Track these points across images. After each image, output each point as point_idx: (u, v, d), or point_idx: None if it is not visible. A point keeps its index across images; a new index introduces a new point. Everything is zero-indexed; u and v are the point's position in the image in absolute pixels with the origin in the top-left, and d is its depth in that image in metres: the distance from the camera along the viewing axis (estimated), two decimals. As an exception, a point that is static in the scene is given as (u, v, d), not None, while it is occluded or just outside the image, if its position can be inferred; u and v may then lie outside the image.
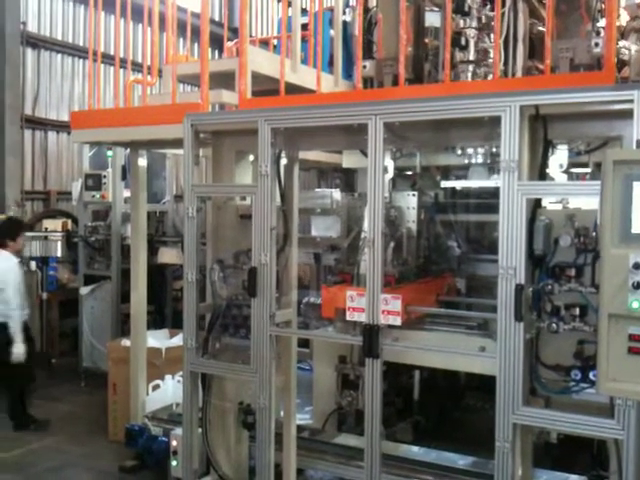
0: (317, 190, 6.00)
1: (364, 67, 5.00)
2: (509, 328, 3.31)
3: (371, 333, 3.64)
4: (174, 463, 4.67)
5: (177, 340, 6.01)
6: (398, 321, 3.64)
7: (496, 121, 3.35)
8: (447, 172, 5.62)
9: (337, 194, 5.37)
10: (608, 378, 2.79)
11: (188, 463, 4.29)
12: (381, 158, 3.61)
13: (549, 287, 3.39)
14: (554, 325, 3.38)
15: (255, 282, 3.96)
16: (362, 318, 3.70)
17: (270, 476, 3.99)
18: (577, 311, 3.37)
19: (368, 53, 5.30)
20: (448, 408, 5.97)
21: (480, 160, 4.89)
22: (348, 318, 3.77)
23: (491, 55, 4.61)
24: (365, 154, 3.80)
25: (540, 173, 3.49)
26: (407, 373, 5.64)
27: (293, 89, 5.05)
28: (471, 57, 4.59)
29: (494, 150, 4.51)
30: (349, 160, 5.79)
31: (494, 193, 3.82)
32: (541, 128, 3.45)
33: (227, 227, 4.50)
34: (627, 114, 3.06)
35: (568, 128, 3.47)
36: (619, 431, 3.08)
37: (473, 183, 5.23)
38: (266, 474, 3.98)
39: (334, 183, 6.74)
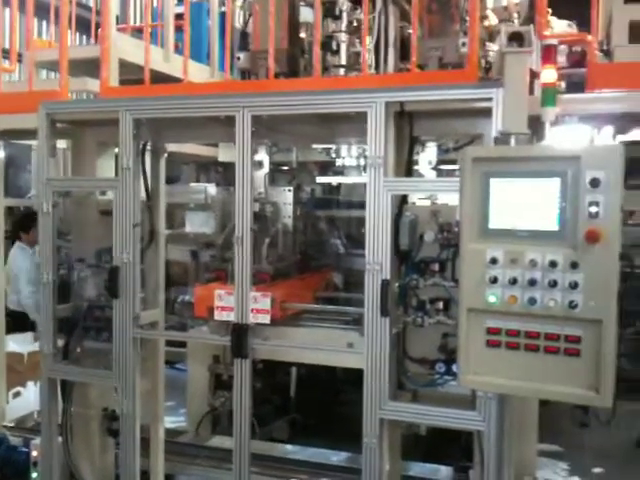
0: (192, 184, 5.82)
1: (238, 59, 4.87)
2: (375, 323, 3.30)
3: (240, 333, 3.53)
4: (34, 475, 4.36)
5: (42, 344, 5.62)
6: (267, 319, 3.55)
7: (364, 117, 3.33)
8: (325, 168, 5.61)
9: (212, 189, 5.22)
10: (469, 371, 2.82)
11: (47, 475, 4.01)
12: (249, 152, 3.51)
13: (414, 282, 3.42)
14: (419, 319, 3.42)
15: (117, 282, 3.75)
16: (231, 317, 3.58)
17: (135, 485, 3.81)
18: (441, 305, 3.43)
19: (245, 45, 5.19)
20: (326, 403, 5.97)
21: (353, 157, 4.91)
22: (216, 317, 3.64)
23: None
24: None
25: (407, 170, 3.51)
26: (284, 370, 5.59)
27: (166, 79, 4.84)
28: (343, 61, 4.57)
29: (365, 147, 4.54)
30: (225, 154, 5.65)
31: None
32: (407, 125, 3.46)
33: (88, 224, 4.25)
34: (487, 112, 3.12)
35: (434, 125, 3.51)
36: (480, 423, 3.14)
37: (347, 179, 5.24)
38: (132, 483, 3.79)
39: (214, 178, 6.54)
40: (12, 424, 5.06)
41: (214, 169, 6.62)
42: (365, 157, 4.89)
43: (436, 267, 3.42)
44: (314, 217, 5.09)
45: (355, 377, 5.76)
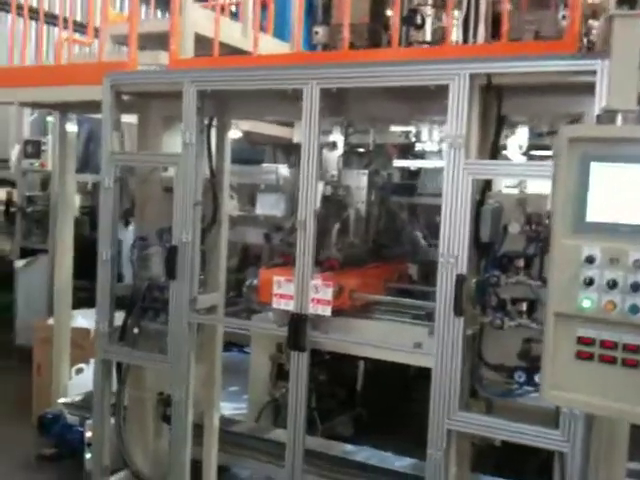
0: (263, 165, 5.60)
1: (316, 33, 4.60)
2: (447, 322, 2.96)
3: (298, 323, 3.27)
4: (88, 456, 4.27)
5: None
6: (328, 311, 3.26)
7: (446, 93, 2.98)
8: (404, 152, 5.27)
9: (284, 170, 4.95)
10: (553, 384, 2.44)
11: (98, 458, 3.89)
12: (316, 129, 3.22)
13: (495, 279, 3.05)
14: (499, 321, 3.05)
15: (174, 263, 3.55)
16: (290, 306, 3.32)
17: (185, 476, 3.62)
18: (524, 306, 3.04)
19: (326, 19, 4.90)
20: (395, 399, 5.64)
21: (434, 141, 4.55)
22: (274, 305, 3.39)
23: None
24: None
25: (492, 153, 3.12)
26: (351, 362, 5.30)
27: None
28: (427, 37, 4.21)
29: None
30: (300, 134, 5.38)
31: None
32: (495, 102, 3.07)
33: (152, 201, 4.08)
34: (589, 88, 2.71)
35: (525, 103, 3.11)
36: (564, 443, 2.76)
37: (426, 163, 4.88)
38: (181, 473, 3.60)
39: (289, 159, 6.30)
40: (71, 401, 5.01)
41: (290, 150, 6.38)
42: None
43: (521, 263, 3.03)
44: (390, 203, 4.72)
45: (428, 373, 5.43)
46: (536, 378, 2.92)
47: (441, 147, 4.56)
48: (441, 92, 3.00)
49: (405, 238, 4.87)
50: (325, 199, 3.84)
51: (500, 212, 3.10)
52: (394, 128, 4.80)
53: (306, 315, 3.26)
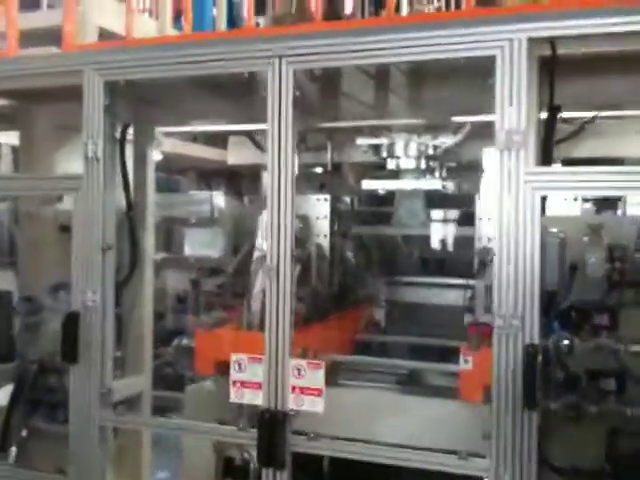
0: (192, 192, 4.50)
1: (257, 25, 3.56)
2: (508, 420, 1.92)
3: (272, 426, 2.14)
4: None
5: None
6: (320, 405, 2.15)
7: (482, 71, 1.98)
8: (365, 171, 4.27)
9: (220, 198, 3.88)
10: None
11: None
12: (289, 129, 2.15)
13: (566, 344, 2.04)
14: (572, 407, 2.03)
15: (75, 338, 2.36)
16: (258, 400, 2.19)
17: None
18: (612, 383, 2.04)
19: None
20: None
21: (411, 157, 3.59)
22: (234, 399, 2.24)
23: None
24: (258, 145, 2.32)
25: (544, 157, 2.14)
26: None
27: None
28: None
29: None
30: (236, 155, 4.31)
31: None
32: (545, 85, 2.10)
33: (42, 246, 2.86)
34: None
35: (589, 85, 2.15)
36: None
37: (403, 185, 3.87)
38: None
39: (221, 186, 5.19)
40: None
41: (224, 176, 5.26)
42: (429, 157, 3.61)
43: (602, 319, 2.04)
44: (353, 236, 3.76)
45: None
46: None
47: (419, 164, 3.61)
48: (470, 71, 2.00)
49: (371, 277, 3.88)
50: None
51: (564, 246, 2.12)
52: (360, 141, 3.78)
53: (284, 413, 2.14)
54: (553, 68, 2.05)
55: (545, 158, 2.13)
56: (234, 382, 2.22)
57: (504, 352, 1.92)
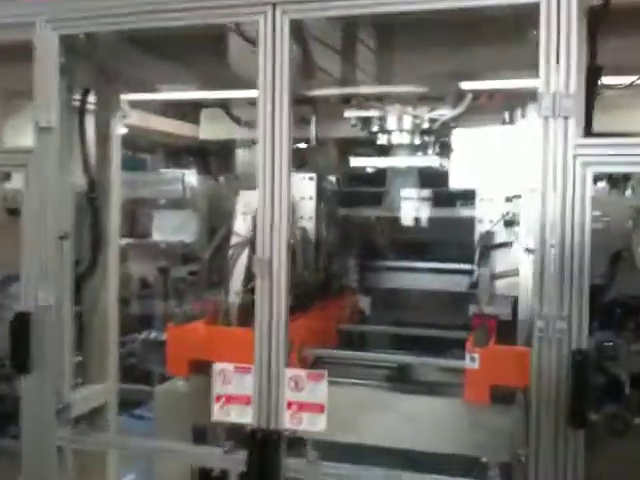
0: (162, 171, 4.11)
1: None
2: (548, 441, 1.60)
3: (265, 448, 1.79)
4: None
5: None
6: (321, 423, 1.80)
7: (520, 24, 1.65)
8: (350, 147, 3.92)
9: (192, 177, 3.52)
10: None
11: None
12: (286, 90, 1.78)
13: (611, 348, 1.74)
14: (619, 421, 1.73)
15: (27, 344, 1.97)
16: (247, 418, 1.84)
17: None
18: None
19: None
20: None
21: (405, 131, 3.22)
22: (218, 418, 1.89)
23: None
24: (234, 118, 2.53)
25: (585, 127, 1.81)
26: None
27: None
28: None
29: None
30: (210, 130, 3.89)
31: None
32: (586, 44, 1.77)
33: (-13, 231, 2.46)
34: None
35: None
36: None
37: (396, 162, 3.53)
38: None
39: (192, 164, 4.76)
40: None
41: (195, 154, 4.82)
42: (424, 131, 3.29)
43: (651, 318, 1.74)
44: (340, 218, 3.50)
45: None
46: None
47: (413, 139, 3.29)
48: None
49: (356, 263, 3.64)
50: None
51: (608, 231, 1.80)
52: (347, 114, 3.40)
53: (279, 433, 1.79)
54: (596, 26, 1.73)
55: (586, 129, 1.81)
56: (218, 397, 1.87)
57: (546, 360, 1.60)
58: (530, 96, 2.97)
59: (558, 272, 1.57)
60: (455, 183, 2.96)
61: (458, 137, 2.88)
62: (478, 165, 3.22)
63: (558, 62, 1.56)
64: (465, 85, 2.57)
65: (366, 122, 3.39)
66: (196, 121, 4.12)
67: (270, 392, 1.79)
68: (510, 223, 2.92)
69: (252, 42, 1.81)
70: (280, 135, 1.80)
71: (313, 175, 3.16)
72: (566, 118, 1.55)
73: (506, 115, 3.24)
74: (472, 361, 2.42)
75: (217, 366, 1.88)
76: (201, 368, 2.42)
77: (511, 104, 3.10)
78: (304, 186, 3.05)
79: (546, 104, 1.56)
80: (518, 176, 3.08)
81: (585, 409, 1.57)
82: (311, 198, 3.09)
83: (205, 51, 2.26)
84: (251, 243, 2.84)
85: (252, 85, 1.92)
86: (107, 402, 2.31)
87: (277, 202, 1.79)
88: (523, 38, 1.62)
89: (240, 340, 2.31)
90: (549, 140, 1.57)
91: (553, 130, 1.56)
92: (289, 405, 1.79)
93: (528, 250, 2.27)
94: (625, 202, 1.86)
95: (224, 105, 3.59)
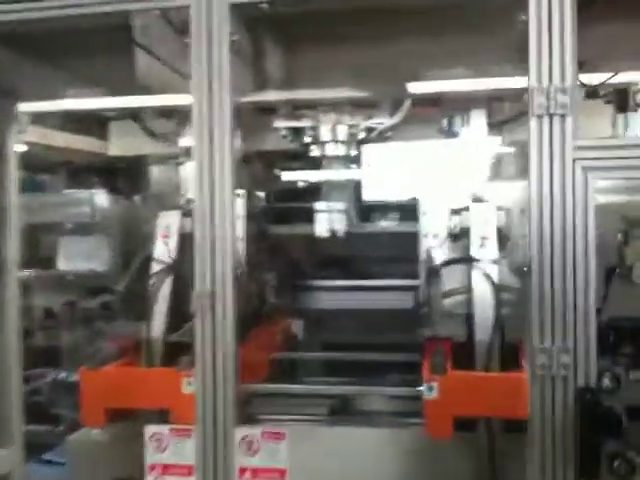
0: (66, 192, 3.75)
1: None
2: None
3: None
4: None
5: None
6: (283, 494, 1.49)
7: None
8: (281, 160, 3.70)
9: (103, 197, 3.25)
10: None
11: None
12: (226, 94, 1.46)
13: (607, 376, 1.53)
14: (622, 463, 1.52)
15: None
16: (189, 491, 1.51)
17: None
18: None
19: None
20: None
21: (339, 142, 2.99)
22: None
23: None
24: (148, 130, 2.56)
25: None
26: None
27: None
28: None
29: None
30: (121, 146, 3.63)
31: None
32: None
33: None
34: None
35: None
36: None
37: (331, 175, 3.30)
38: None
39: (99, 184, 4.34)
40: None
41: (105, 173, 4.40)
42: (360, 142, 3.11)
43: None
44: (272, 237, 3.31)
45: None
46: None
47: (349, 150, 3.11)
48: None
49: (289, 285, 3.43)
50: (182, 238, 2.62)
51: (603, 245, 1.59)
52: (277, 124, 3.15)
53: (231, 508, 1.46)
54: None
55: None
56: (152, 467, 1.52)
57: (549, 400, 1.36)
58: (475, 101, 2.82)
59: (560, 295, 1.33)
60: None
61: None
62: (418, 177, 3.09)
63: (551, 51, 1.34)
64: (412, 87, 2.35)
65: (297, 133, 3.16)
66: (104, 137, 3.77)
67: (216, 458, 1.46)
68: (457, 237, 2.78)
69: (182, 32, 1.50)
70: (220, 147, 1.49)
71: (241, 192, 2.89)
72: (563, 116, 1.32)
73: (445, 123, 3.11)
74: (430, 390, 2.24)
75: (149, 429, 1.53)
76: (122, 415, 2.26)
77: (451, 112, 2.97)
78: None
79: (538, 101, 1.33)
80: (461, 187, 2.94)
81: (599, 457, 1.33)
82: (240, 217, 2.79)
83: (114, 51, 1.93)
84: (174, 270, 2.59)
85: (169, 90, 1.63)
86: (11, 472, 1.90)
87: (219, 223, 1.48)
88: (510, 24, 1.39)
89: (165, 383, 2.07)
90: (543, 143, 1.34)
91: (548, 131, 1.33)
92: (241, 472, 1.46)
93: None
94: (618, 211, 1.65)
95: (136, 117, 3.29)
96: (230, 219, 1.47)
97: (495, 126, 3.07)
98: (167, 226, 2.73)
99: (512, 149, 3.13)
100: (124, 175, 4.18)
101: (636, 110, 2.48)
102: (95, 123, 3.89)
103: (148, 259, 2.76)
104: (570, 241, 1.32)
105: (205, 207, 1.47)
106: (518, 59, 1.37)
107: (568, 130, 1.33)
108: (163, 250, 2.68)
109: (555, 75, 1.33)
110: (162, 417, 2.26)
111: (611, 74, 1.69)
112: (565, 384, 1.34)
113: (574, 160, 1.32)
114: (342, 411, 2.54)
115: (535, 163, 1.33)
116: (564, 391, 1.34)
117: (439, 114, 2.98)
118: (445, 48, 1.86)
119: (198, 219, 1.47)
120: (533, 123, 1.33)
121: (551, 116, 1.32)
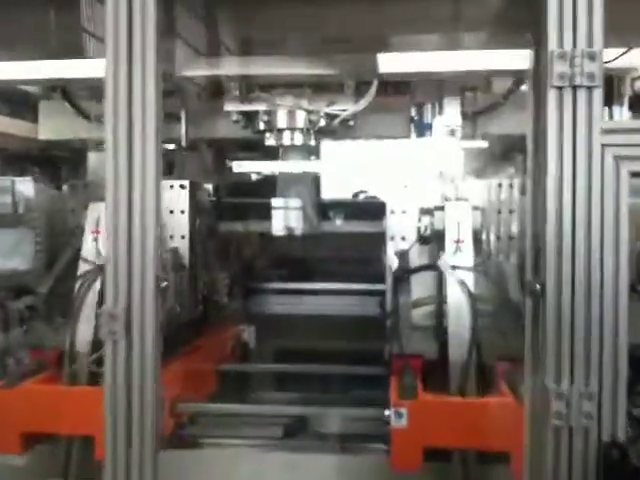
0: (-17, 179, 3.38)
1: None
2: None
3: None
4: None
5: None
6: None
7: None
8: (232, 150, 3.40)
9: (27, 185, 2.82)
10: None
11: None
12: (151, 68, 1.10)
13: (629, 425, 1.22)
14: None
15: None
16: None
17: None
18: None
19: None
20: None
21: (298, 131, 2.71)
22: None
23: None
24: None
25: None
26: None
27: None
28: None
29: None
30: (51, 129, 3.26)
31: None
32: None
33: None
34: None
35: None
36: None
37: (288, 167, 3.00)
38: None
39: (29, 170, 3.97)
40: None
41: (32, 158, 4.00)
42: (320, 130, 2.84)
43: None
44: (220, 235, 2.99)
45: None
46: None
47: (308, 138, 2.84)
48: None
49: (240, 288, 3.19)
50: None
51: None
52: (227, 107, 2.82)
53: None
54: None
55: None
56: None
57: (564, 456, 1.05)
58: (448, 89, 2.55)
59: (582, 323, 1.02)
60: (328, 191, 2.80)
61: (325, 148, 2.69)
62: (383, 173, 2.91)
63: (575, 6, 1.02)
64: (381, 62, 2.02)
65: (250, 118, 2.84)
66: (33, 119, 3.40)
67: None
68: (428, 239, 2.53)
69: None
70: (142, 125, 1.14)
71: (185, 183, 2.59)
72: (590, 89, 1.01)
73: (413, 111, 2.87)
74: (398, 417, 1.98)
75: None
76: (41, 440, 2.07)
77: (422, 101, 2.74)
78: (175, 196, 2.56)
79: (560, 70, 1.01)
80: (432, 184, 2.70)
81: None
82: (183, 212, 2.60)
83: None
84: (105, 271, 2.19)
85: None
86: None
87: (137, 223, 1.12)
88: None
89: (89, 405, 1.73)
90: (564, 124, 1.02)
91: (571, 109, 1.02)
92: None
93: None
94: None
95: (67, 95, 2.96)
96: (153, 217, 1.12)
97: (469, 118, 2.83)
98: (97, 220, 2.39)
99: (486, 143, 2.90)
100: (58, 162, 3.80)
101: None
102: (24, 104, 3.53)
103: (75, 256, 2.43)
104: (597, 253, 1.01)
105: (120, 203, 1.11)
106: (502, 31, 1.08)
107: (596, 107, 1.01)
108: (91, 247, 2.35)
109: (580, 37, 1.02)
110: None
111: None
112: (586, 437, 1.03)
113: (603, 146, 1.00)
114: (298, 431, 2.29)
115: (554, 151, 1.01)
116: (585, 445, 1.03)
117: (409, 103, 2.74)
118: (420, 14, 1.55)
119: (110, 218, 1.11)
120: (552, 98, 1.01)
121: (574, 89, 1.00)
